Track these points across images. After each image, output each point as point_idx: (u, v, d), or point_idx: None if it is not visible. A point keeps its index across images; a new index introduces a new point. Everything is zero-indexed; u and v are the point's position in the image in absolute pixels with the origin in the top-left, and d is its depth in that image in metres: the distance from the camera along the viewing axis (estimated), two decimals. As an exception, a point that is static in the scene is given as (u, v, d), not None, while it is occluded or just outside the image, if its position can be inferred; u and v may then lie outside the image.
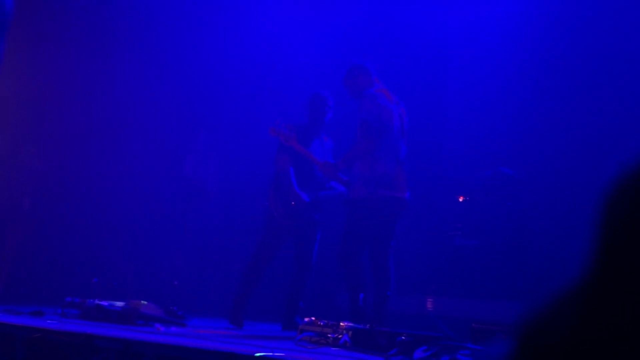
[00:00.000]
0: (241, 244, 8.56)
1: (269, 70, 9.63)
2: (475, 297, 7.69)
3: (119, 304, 6.43)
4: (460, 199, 8.24)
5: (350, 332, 5.01)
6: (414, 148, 7.12)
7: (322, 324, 5.32)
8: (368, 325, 5.25)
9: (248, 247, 7.42)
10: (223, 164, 9.24)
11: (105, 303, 6.40)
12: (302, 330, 5.42)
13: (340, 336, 5.03)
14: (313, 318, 5.45)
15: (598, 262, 0.92)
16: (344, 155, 6.54)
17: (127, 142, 9.51)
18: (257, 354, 4.00)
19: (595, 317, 0.90)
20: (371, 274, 6.54)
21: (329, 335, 5.17)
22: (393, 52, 9.30)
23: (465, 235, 8.03)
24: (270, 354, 4.07)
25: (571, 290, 0.94)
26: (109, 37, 9.25)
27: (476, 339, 5.00)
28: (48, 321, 5.66)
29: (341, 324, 5.19)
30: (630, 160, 0.92)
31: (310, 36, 9.73)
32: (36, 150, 9.04)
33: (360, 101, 6.57)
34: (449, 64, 9.41)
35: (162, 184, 9.64)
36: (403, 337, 4.68)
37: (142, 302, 6.41)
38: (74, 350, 4.54)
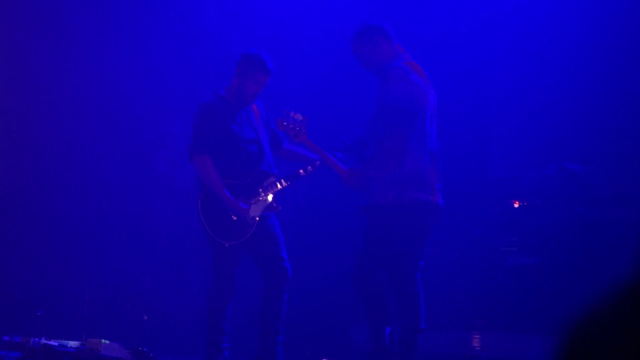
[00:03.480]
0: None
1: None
2: (536, 332, 7.59)
3: (73, 343, 6.42)
4: (515, 205, 8.25)
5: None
6: (450, 137, 7.08)
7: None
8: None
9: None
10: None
11: (54, 343, 6.35)
12: None
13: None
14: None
15: None
16: (369, 157, 6.42)
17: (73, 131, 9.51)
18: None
19: None
20: (395, 302, 6.43)
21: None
22: (418, 21, 9.32)
23: (522, 252, 8.03)
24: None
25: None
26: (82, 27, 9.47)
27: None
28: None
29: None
30: None
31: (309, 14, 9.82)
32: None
33: (383, 78, 6.39)
34: (494, 35, 9.43)
35: (127, 185, 9.56)
36: None
37: (103, 341, 6.39)
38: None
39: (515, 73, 9.31)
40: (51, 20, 9.41)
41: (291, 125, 6.62)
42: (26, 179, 9.40)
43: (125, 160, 9.56)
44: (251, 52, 6.95)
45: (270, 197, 6.90)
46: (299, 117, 6.66)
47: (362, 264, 6.38)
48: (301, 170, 6.91)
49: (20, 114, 9.27)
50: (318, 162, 6.86)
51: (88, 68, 9.47)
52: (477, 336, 7.88)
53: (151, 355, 6.60)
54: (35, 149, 9.38)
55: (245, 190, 6.85)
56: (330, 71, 9.53)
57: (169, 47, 9.68)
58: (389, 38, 6.54)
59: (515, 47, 9.33)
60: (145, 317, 9.20)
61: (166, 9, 9.73)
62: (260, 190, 6.87)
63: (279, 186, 6.90)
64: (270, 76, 6.89)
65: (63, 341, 6.43)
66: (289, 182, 6.93)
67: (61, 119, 9.41)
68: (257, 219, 6.83)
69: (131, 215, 9.54)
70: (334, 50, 9.21)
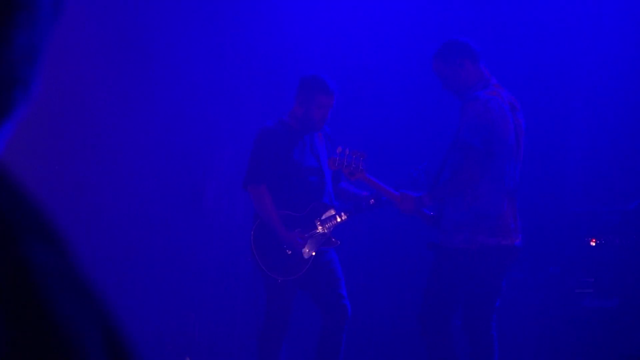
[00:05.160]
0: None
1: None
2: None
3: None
4: (592, 243, 8.09)
5: None
6: (523, 168, 6.84)
7: None
8: None
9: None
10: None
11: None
12: None
13: None
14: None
15: None
16: (434, 186, 6.33)
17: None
18: None
19: None
20: (468, 346, 6.40)
21: None
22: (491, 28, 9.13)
23: (600, 294, 7.90)
24: None
25: None
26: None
27: None
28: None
29: None
30: None
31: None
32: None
33: (463, 107, 6.21)
34: (575, 63, 9.26)
35: (172, 215, 9.30)
36: None
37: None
38: None
39: (596, 98, 9.22)
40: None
41: (346, 164, 6.44)
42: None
43: (169, 185, 9.39)
44: (309, 76, 6.78)
45: (328, 231, 6.71)
46: (355, 153, 6.48)
47: (429, 308, 6.27)
48: (363, 203, 6.74)
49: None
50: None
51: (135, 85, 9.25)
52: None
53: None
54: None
55: (302, 222, 6.68)
56: (404, 91, 9.27)
57: (229, 63, 9.43)
58: (475, 59, 6.26)
59: (597, 72, 9.22)
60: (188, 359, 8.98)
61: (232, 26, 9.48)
62: (318, 223, 6.69)
63: (338, 219, 6.73)
64: (335, 97, 6.68)
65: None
66: (348, 215, 6.75)
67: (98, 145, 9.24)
68: (314, 253, 6.63)
69: (175, 247, 9.35)
70: (408, 67, 9.04)
